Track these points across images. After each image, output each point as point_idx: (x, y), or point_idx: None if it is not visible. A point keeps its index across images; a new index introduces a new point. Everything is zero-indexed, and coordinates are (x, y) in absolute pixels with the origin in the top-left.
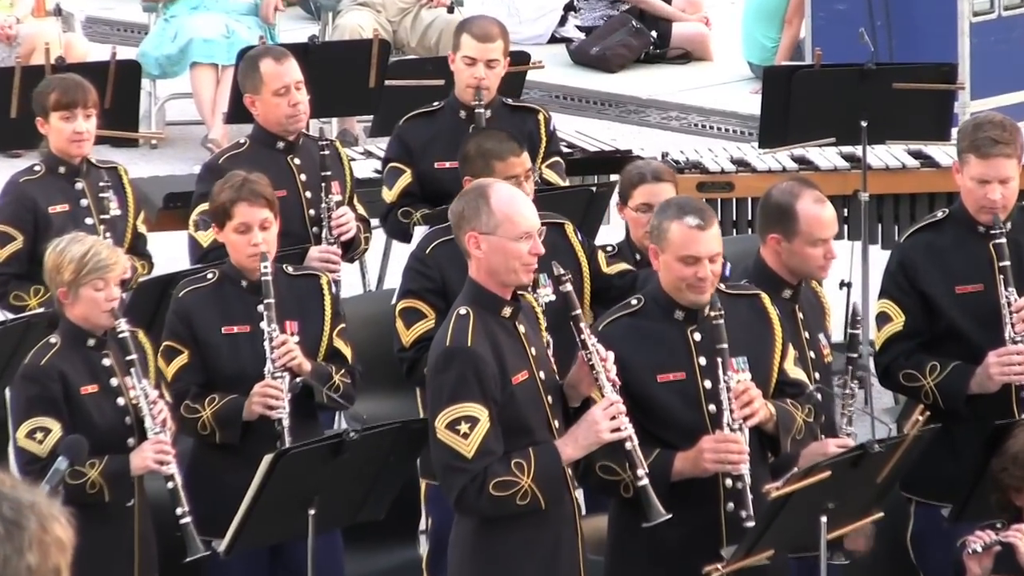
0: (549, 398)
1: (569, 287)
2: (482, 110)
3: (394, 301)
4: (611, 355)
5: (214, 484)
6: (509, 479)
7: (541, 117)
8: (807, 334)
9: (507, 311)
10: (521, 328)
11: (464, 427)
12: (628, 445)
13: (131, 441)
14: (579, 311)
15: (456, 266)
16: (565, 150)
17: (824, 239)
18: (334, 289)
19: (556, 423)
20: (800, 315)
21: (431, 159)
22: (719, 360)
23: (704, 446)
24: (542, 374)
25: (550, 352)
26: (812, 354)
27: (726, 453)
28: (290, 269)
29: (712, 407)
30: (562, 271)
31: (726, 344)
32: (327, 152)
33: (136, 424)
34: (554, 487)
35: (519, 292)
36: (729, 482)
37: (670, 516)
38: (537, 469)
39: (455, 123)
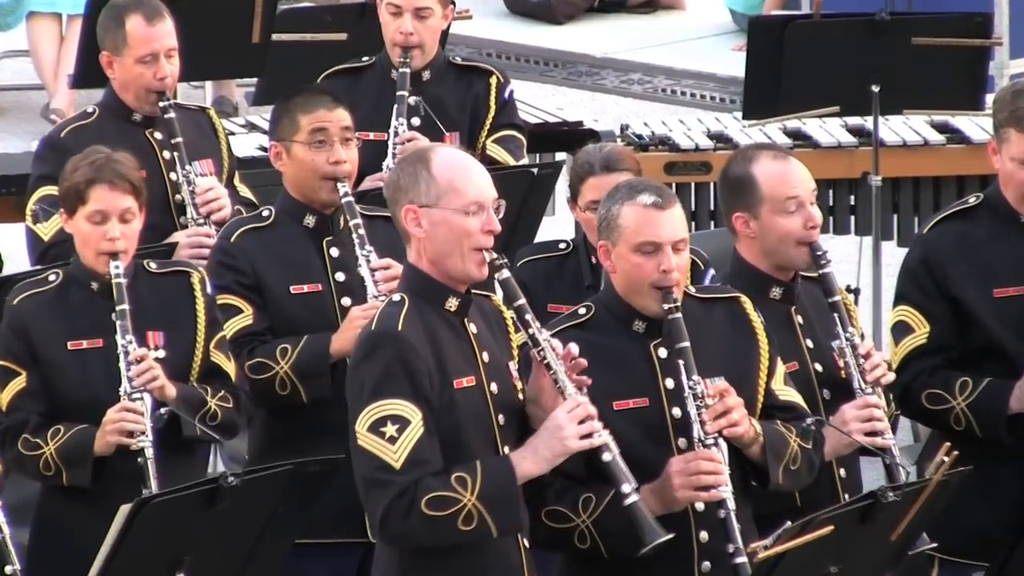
0: (500, 417)
1: (506, 273)
2: (406, 70)
3: None
4: (573, 347)
5: (64, 540)
6: (447, 495)
7: (493, 80)
8: (810, 342)
9: (452, 303)
10: (472, 327)
11: (391, 429)
12: (607, 456)
13: None
14: (523, 301)
15: (268, 256)
16: None
17: (795, 197)
18: (208, 289)
19: (506, 449)
20: (799, 319)
21: None
22: (680, 363)
23: (672, 469)
24: (494, 386)
25: (514, 368)
26: (819, 367)
27: (698, 475)
28: (152, 265)
29: (683, 440)
30: (495, 255)
31: (687, 342)
32: (171, 115)
33: None
34: (506, 508)
35: (478, 292)
36: (704, 536)
37: (671, 536)
38: (485, 484)
39: (383, 85)
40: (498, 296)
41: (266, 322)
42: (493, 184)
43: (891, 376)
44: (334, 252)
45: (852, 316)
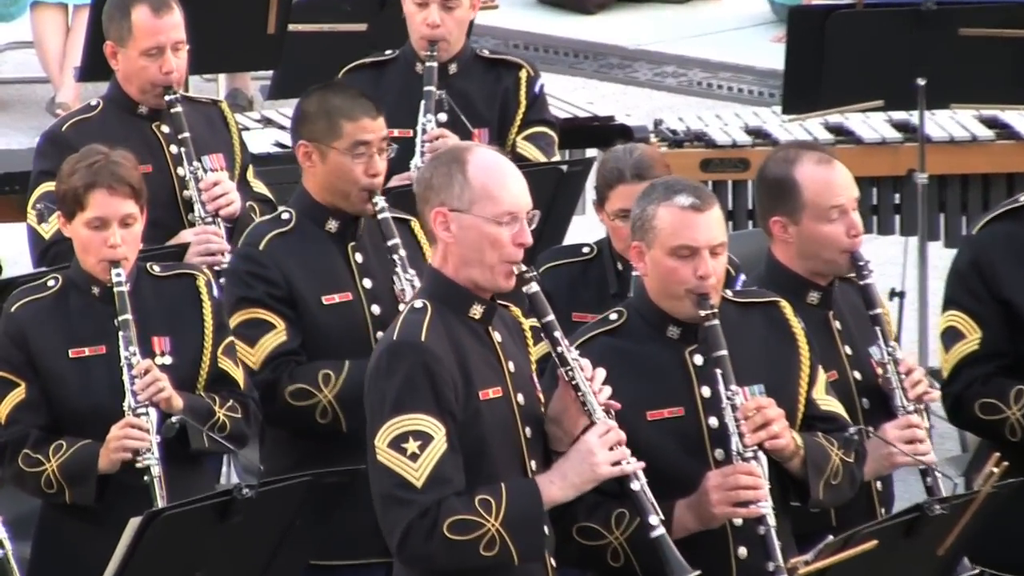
0: (527, 430)
1: (536, 287)
2: (433, 64)
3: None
4: (601, 372)
5: (66, 555)
6: (471, 519)
7: (523, 74)
8: (848, 349)
9: (477, 310)
10: (496, 336)
11: (412, 445)
12: (635, 485)
13: None
14: (551, 317)
15: (297, 264)
16: None
17: (838, 206)
18: (215, 292)
19: (533, 464)
20: (837, 325)
21: None
22: (718, 372)
23: (709, 484)
24: (521, 397)
25: (536, 378)
26: (857, 375)
27: (736, 489)
28: (156, 268)
29: (719, 452)
30: (524, 268)
31: (725, 350)
32: (178, 109)
33: None
34: (530, 536)
35: (500, 302)
36: (743, 552)
37: (699, 573)
38: (510, 509)
39: (408, 80)
40: (516, 308)
41: (300, 337)
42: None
43: (934, 394)
44: (359, 258)
45: (889, 327)
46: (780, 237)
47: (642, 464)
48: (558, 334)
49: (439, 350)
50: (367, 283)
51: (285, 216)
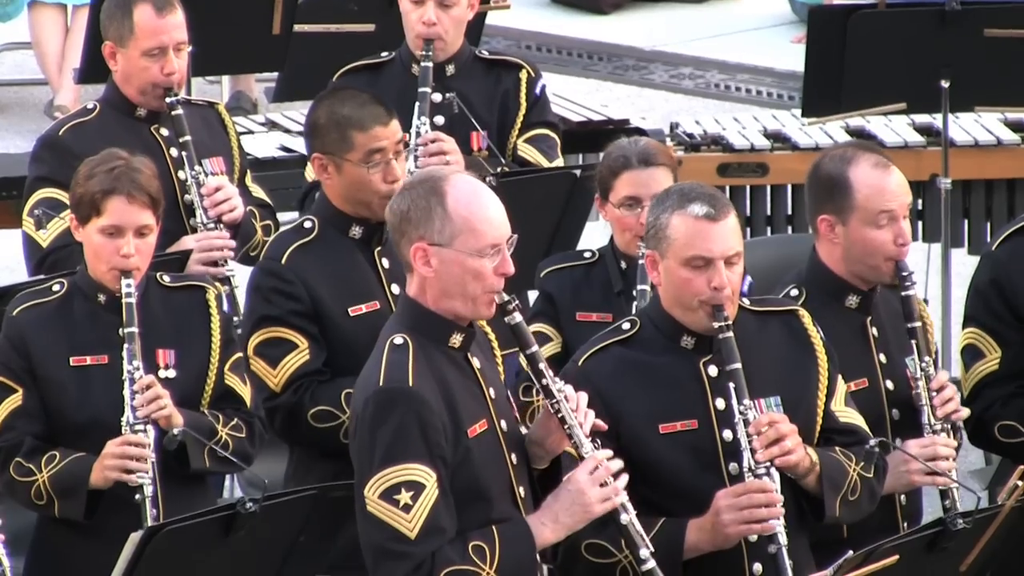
0: (513, 456)
1: (518, 318)
2: (428, 65)
3: (244, 336)
4: (583, 396)
5: (61, 572)
6: (466, 568)
7: (523, 75)
8: (883, 357)
9: (456, 339)
10: (475, 362)
11: (405, 496)
12: (623, 518)
13: None
14: (535, 348)
15: (322, 276)
16: None
17: (889, 211)
18: (225, 306)
19: (521, 490)
20: (874, 331)
21: None
22: (731, 386)
23: (720, 504)
24: (503, 423)
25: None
26: (890, 384)
27: (749, 508)
28: (166, 279)
29: (733, 466)
30: (506, 297)
31: (739, 364)
32: (179, 112)
33: None
34: None
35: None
36: (758, 568)
37: None
38: (503, 555)
39: (404, 81)
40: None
41: (323, 354)
42: (532, 186)
43: (964, 412)
44: (385, 263)
45: (929, 338)
46: (826, 236)
47: (626, 498)
48: (542, 366)
49: (428, 393)
50: (395, 288)
51: (308, 224)
